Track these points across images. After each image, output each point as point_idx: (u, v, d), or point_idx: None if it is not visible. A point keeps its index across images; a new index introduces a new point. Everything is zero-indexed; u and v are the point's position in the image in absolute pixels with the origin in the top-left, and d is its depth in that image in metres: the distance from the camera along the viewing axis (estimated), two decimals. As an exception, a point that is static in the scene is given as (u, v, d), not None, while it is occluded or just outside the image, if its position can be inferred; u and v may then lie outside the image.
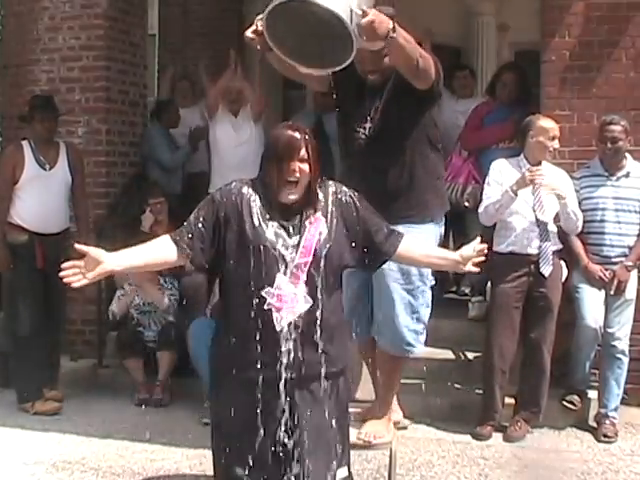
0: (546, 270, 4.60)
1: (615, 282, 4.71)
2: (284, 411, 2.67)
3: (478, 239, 2.98)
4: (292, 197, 2.70)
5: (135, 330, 5.62)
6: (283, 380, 2.65)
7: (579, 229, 4.69)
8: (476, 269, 2.97)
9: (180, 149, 6.56)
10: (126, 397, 5.38)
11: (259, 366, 2.64)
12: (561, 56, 5.14)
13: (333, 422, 2.74)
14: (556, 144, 4.64)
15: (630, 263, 4.73)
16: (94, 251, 2.57)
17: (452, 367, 5.30)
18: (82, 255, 2.56)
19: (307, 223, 2.71)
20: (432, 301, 4.03)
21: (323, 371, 2.70)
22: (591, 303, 4.74)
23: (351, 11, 2.97)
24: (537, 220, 4.61)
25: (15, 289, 5.24)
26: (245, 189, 2.75)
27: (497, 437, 4.68)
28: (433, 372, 5.12)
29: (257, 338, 2.64)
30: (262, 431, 2.66)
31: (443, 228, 4.10)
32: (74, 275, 2.54)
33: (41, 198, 5.17)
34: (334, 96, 4.10)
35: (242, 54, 6.37)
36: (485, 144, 5.67)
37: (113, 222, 5.95)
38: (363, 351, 4.30)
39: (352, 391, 3.00)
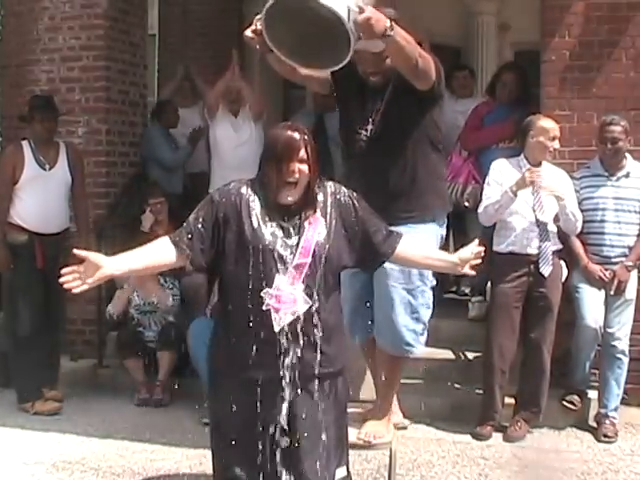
0: (546, 270, 4.60)
1: (615, 282, 4.70)
2: (282, 411, 2.67)
3: (476, 241, 2.99)
4: (291, 198, 2.69)
5: (135, 330, 5.62)
6: (282, 380, 2.65)
7: (578, 230, 4.69)
8: (472, 272, 2.97)
9: (181, 149, 6.56)
10: (126, 397, 5.39)
11: (258, 366, 2.65)
12: (561, 56, 5.14)
13: (331, 422, 2.74)
14: (556, 144, 4.64)
15: (630, 263, 4.73)
16: (93, 256, 2.57)
17: (452, 367, 5.29)
18: (81, 260, 2.56)
19: (306, 224, 2.70)
20: (433, 301, 4.04)
21: (321, 371, 2.70)
22: (591, 303, 4.73)
23: (348, 9, 2.98)
24: (537, 220, 4.61)
25: (15, 289, 5.25)
26: (244, 189, 2.75)
27: (497, 437, 4.68)
28: (433, 372, 5.12)
29: (256, 338, 2.64)
30: (260, 431, 2.66)
31: (445, 229, 4.11)
32: (74, 280, 2.54)
33: (41, 198, 5.17)
34: (335, 97, 4.11)
35: (242, 54, 6.37)
36: (485, 144, 5.67)
37: (113, 222, 5.95)
38: (364, 350, 4.30)
39: (351, 391, 3.00)
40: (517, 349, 4.71)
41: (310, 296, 2.65)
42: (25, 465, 4.28)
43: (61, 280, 2.54)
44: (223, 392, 2.75)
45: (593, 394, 4.90)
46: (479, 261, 2.96)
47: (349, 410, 2.95)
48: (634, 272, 4.78)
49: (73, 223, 5.46)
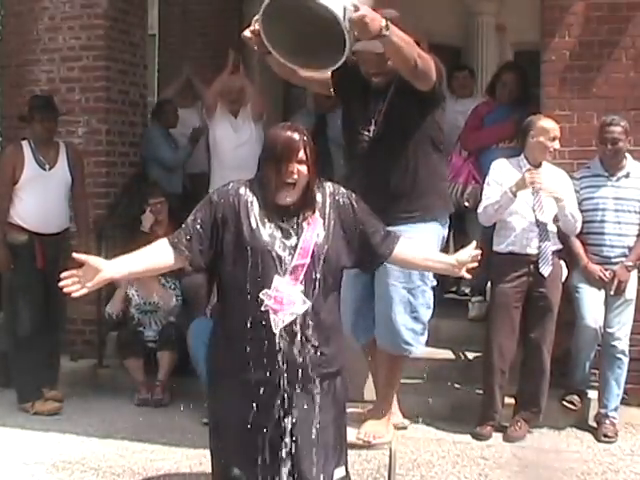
0: (546, 270, 4.60)
1: (615, 282, 4.70)
2: (281, 411, 2.67)
3: (474, 244, 2.98)
4: (290, 199, 2.69)
5: (135, 330, 5.62)
6: (280, 381, 2.65)
7: (578, 230, 4.69)
8: (469, 276, 2.97)
9: (181, 149, 6.56)
10: (126, 397, 5.38)
11: (257, 367, 2.65)
12: (561, 56, 5.14)
13: (330, 422, 2.74)
14: (556, 144, 4.64)
15: (630, 263, 4.73)
16: (93, 260, 2.58)
17: (452, 367, 5.29)
18: (81, 264, 2.56)
19: (305, 224, 2.70)
20: (433, 301, 4.04)
21: (320, 371, 2.70)
22: (591, 303, 4.73)
23: (344, 8, 2.99)
24: (537, 220, 4.60)
25: (15, 289, 5.24)
26: (243, 190, 2.74)
27: (497, 437, 4.68)
28: (433, 372, 5.12)
29: (255, 339, 2.64)
30: (259, 431, 2.67)
31: (447, 230, 4.11)
32: (73, 284, 2.55)
33: (41, 198, 5.17)
34: (337, 98, 4.12)
35: (242, 54, 6.37)
36: (485, 144, 5.67)
37: (113, 222, 5.95)
38: (366, 350, 4.30)
39: (351, 391, 3.00)
40: (517, 349, 4.71)
41: (308, 297, 2.65)
42: (25, 465, 4.28)
43: (61, 284, 2.55)
44: (222, 392, 2.76)
45: (593, 394, 4.89)
46: (476, 264, 2.96)
47: (348, 410, 2.95)
48: (634, 272, 4.78)
49: (73, 223, 5.46)
